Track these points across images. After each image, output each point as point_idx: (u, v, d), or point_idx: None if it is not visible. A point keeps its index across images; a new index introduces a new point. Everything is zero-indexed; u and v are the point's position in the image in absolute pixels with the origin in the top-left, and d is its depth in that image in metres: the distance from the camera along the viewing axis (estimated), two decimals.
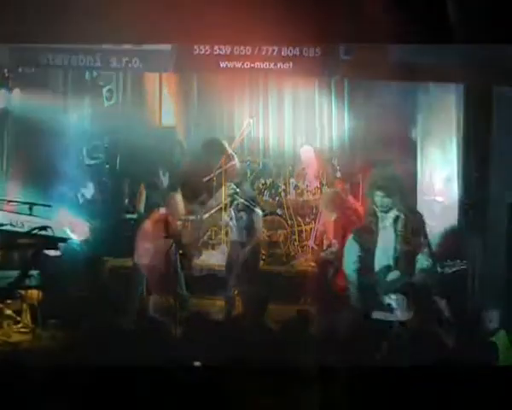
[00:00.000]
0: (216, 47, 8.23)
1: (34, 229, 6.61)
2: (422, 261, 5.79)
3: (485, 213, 7.67)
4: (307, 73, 8.73)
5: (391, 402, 4.28)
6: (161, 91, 10.95)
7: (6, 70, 9.09)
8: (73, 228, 7.68)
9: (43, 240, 6.65)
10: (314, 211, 9.59)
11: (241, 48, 8.18)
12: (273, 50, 8.16)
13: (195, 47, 8.28)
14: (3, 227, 6.72)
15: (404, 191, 6.13)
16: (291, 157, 10.44)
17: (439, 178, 8.26)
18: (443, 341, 5.39)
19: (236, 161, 9.87)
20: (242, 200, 8.07)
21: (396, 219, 5.92)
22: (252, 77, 10.22)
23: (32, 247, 6.78)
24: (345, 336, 5.24)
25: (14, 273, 7.07)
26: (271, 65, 8.24)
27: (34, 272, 7.48)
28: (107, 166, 10.35)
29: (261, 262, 8.73)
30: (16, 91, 9.20)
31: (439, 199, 8.23)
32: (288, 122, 10.73)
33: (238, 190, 8.21)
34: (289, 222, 9.73)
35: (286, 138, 10.71)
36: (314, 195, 9.77)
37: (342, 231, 7.25)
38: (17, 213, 7.06)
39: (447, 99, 8.13)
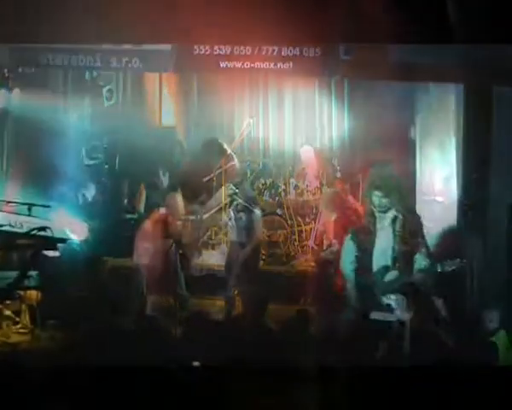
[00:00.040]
0: (216, 47, 8.22)
1: (33, 230, 6.61)
2: (420, 261, 5.78)
3: (484, 213, 7.67)
4: (307, 73, 8.73)
5: (391, 402, 4.28)
6: (161, 91, 10.95)
7: (6, 70, 9.09)
8: (72, 228, 7.68)
9: (42, 241, 6.65)
10: (314, 211, 9.58)
11: (241, 48, 8.18)
12: (273, 50, 8.16)
13: (195, 47, 8.28)
14: (2, 228, 6.73)
15: (402, 191, 6.12)
16: (291, 157, 10.44)
17: (440, 178, 8.25)
18: (443, 341, 5.38)
19: (236, 161, 9.87)
20: (241, 200, 8.06)
21: (394, 220, 5.91)
22: (252, 77, 10.21)
23: (31, 247, 6.78)
24: (345, 336, 5.24)
25: (13, 274, 7.06)
26: (271, 65, 8.24)
27: (33, 273, 7.46)
28: (107, 166, 10.35)
29: (261, 262, 8.72)
30: (16, 91, 9.19)
31: (440, 199, 8.22)
32: (288, 122, 10.73)
33: (237, 190, 8.20)
34: (289, 222, 9.73)
35: (286, 138, 10.70)
36: (314, 195, 9.76)
37: (342, 231, 7.24)
38: (16, 213, 7.06)
39: (447, 99, 8.12)
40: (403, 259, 5.81)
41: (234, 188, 8.23)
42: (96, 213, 9.46)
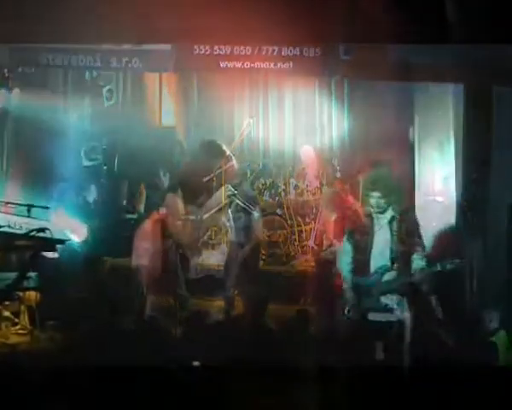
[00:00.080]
0: (216, 47, 8.22)
1: (32, 231, 6.59)
2: (418, 262, 5.77)
3: (484, 213, 7.67)
4: (307, 73, 8.72)
5: (391, 402, 4.28)
6: (161, 91, 10.94)
7: (6, 70, 9.08)
8: (72, 229, 7.67)
9: (41, 242, 6.62)
10: (314, 211, 9.57)
11: (241, 48, 8.18)
12: (273, 50, 8.16)
13: (195, 47, 8.27)
14: (1, 229, 6.71)
15: (400, 192, 6.10)
16: (291, 157, 10.42)
17: (439, 178, 8.26)
18: (443, 341, 5.39)
19: (236, 162, 9.85)
20: (241, 201, 8.06)
21: (391, 220, 5.90)
22: (252, 77, 10.21)
23: (30, 249, 6.75)
24: (344, 337, 5.24)
25: (13, 275, 7.02)
26: (271, 65, 8.24)
27: (32, 274, 7.46)
28: (105, 167, 10.33)
29: (261, 262, 8.72)
30: (16, 91, 9.18)
31: (439, 199, 8.23)
32: (288, 122, 10.72)
33: (236, 191, 8.19)
34: (289, 222, 9.72)
35: (286, 138, 10.69)
36: (314, 195, 9.76)
37: (342, 231, 7.23)
38: (15, 214, 7.05)
39: (447, 99, 8.12)
40: (401, 259, 5.80)
41: (232, 189, 8.23)
42: (96, 213, 9.45)
